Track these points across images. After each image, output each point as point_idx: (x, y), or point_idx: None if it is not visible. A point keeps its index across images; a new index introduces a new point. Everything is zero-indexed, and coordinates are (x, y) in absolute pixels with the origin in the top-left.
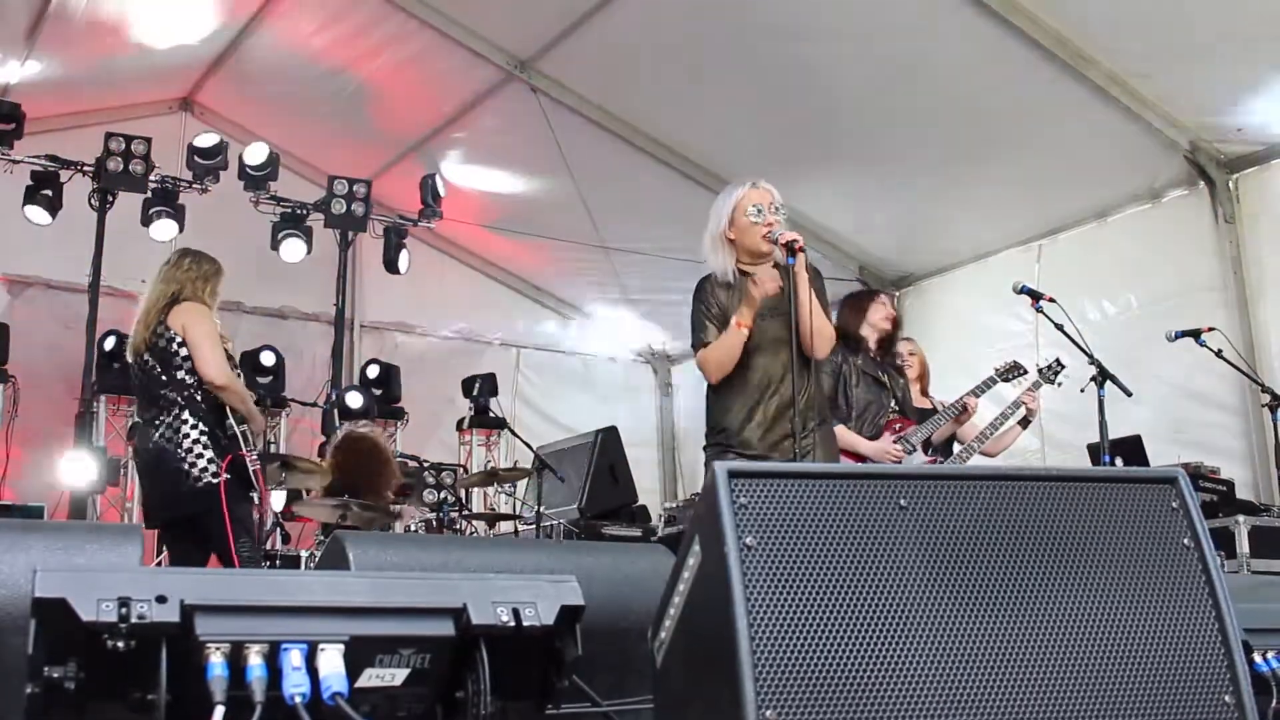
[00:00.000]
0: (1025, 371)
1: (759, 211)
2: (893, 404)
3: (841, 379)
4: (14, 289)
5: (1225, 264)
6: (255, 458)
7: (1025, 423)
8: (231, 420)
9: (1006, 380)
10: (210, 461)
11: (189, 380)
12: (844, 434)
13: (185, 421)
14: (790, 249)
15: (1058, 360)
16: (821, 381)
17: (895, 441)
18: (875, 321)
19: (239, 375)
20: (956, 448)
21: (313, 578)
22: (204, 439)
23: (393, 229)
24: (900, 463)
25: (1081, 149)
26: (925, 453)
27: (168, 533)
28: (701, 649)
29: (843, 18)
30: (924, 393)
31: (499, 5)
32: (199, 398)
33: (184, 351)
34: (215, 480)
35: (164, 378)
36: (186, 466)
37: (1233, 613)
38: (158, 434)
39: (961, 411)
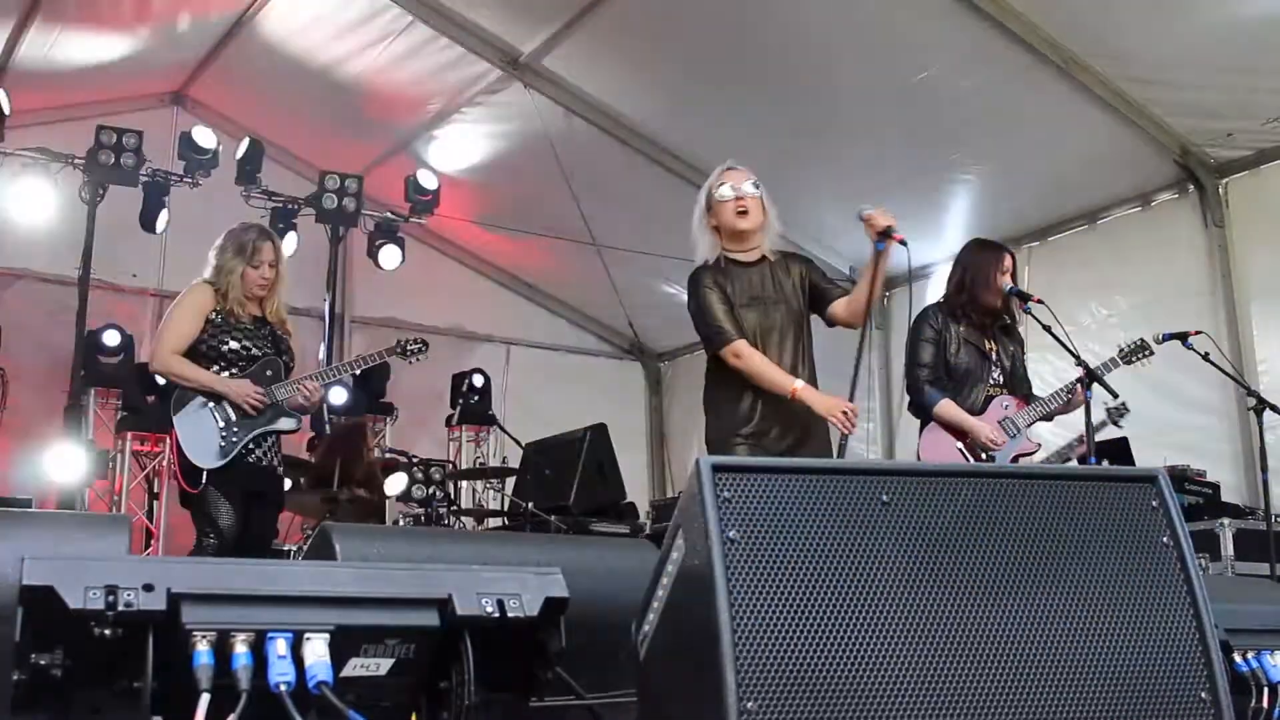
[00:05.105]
0: (1152, 352)
1: (732, 189)
2: (995, 375)
3: (941, 346)
4: (3, 281)
5: (1214, 268)
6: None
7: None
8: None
9: (1129, 362)
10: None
11: None
12: (948, 409)
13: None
14: (886, 234)
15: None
16: (814, 363)
17: (1000, 422)
18: (984, 299)
19: (244, 365)
20: None
21: (299, 567)
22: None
23: (384, 224)
24: (1000, 448)
25: (1072, 152)
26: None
27: None
28: (684, 642)
29: (837, 19)
30: None
31: (494, 1)
32: None
33: None
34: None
35: None
36: None
37: (1210, 610)
38: None
39: (1074, 393)
